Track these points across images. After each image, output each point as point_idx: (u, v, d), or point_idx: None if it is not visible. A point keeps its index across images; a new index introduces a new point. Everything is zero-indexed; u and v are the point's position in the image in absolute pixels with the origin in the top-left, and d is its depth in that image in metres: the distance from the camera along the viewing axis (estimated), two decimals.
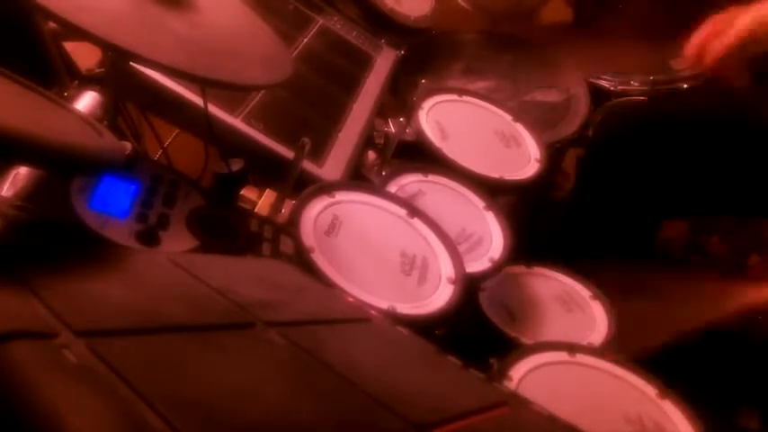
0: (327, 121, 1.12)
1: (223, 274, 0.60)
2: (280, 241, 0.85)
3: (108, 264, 0.55)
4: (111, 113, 0.91)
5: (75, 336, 0.39)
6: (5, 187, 0.73)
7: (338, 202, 0.90)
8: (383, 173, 1.08)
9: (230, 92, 1.00)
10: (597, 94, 1.49)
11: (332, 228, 0.86)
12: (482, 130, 1.22)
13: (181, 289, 0.54)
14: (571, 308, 1.07)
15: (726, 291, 1.29)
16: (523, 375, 0.83)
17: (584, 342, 0.99)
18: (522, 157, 1.19)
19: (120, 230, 0.75)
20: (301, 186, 0.90)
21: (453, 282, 0.87)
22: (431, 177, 1.07)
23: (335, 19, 1.38)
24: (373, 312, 0.69)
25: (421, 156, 1.11)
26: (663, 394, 0.85)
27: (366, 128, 1.17)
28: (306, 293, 0.66)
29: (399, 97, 1.39)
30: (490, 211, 1.05)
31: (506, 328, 0.99)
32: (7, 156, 0.58)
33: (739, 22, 1.04)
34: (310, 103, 1.13)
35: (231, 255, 0.78)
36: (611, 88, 1.50)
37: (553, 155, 1.34)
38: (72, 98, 0.90)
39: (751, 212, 1.37)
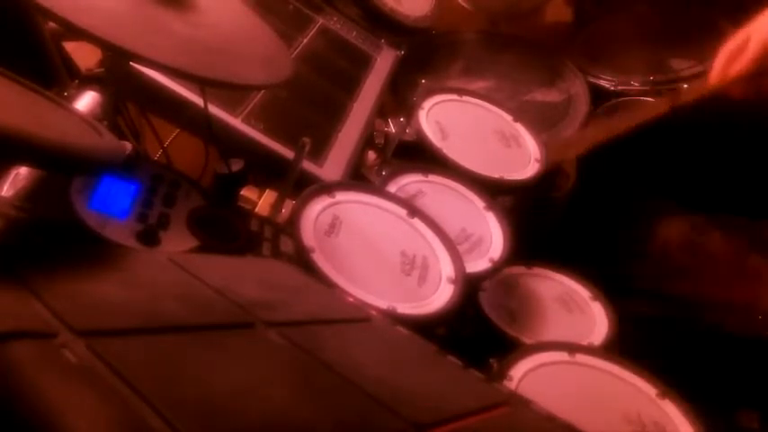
0: (327, 121, 1.12)
1: (223, 274, 0.60)
2: (280, 241, 0.85)
3: (108, 264, 0.55)
4: (111, 113, 0.91)
5: (74, 336, 0.39)
6: (5, 187, 0.73)
7: (338, 202, 0.90)
8: (383, 173, 1.08)
9: (230, 92, 1.00)
10: (597, 94, 1.49)
11: (332, 228, 0.86)
12: (482, 130, 1.22)
13: (181, 289, 0.54)
14: (571, 308, 1.07)
15: None
16: (523, 375, 0.83)
17: (584, 342, 0.99)
18: (522, 157, 1.19)
19: (120, 230, 0.75)
20: (301, 186, 0.90)
21: (453, 282, 0.87)
22: (431, 177, 1.07)
23: (335, 19, 1.38)
24: (373, 312, 0.69)
25: (421, 156, 1.11)
26: (663, 394, 0.85)
27: (366, 128, 1.17)
28: (306, 293, 0.66)
29: (399, 97, 1.39)
30: (490, 211, 1.05)
31: (506, 328, 0.99)
32: (7, 156, 0.59)
33: (751, 49, 1.08)
34: (310, 103, 1.13)
35: (231, 255, 0.78)
36: (611, 88, 1.50)
37: None
38: (72, 98, 0.90)
39: (751, 212, 1.37)
